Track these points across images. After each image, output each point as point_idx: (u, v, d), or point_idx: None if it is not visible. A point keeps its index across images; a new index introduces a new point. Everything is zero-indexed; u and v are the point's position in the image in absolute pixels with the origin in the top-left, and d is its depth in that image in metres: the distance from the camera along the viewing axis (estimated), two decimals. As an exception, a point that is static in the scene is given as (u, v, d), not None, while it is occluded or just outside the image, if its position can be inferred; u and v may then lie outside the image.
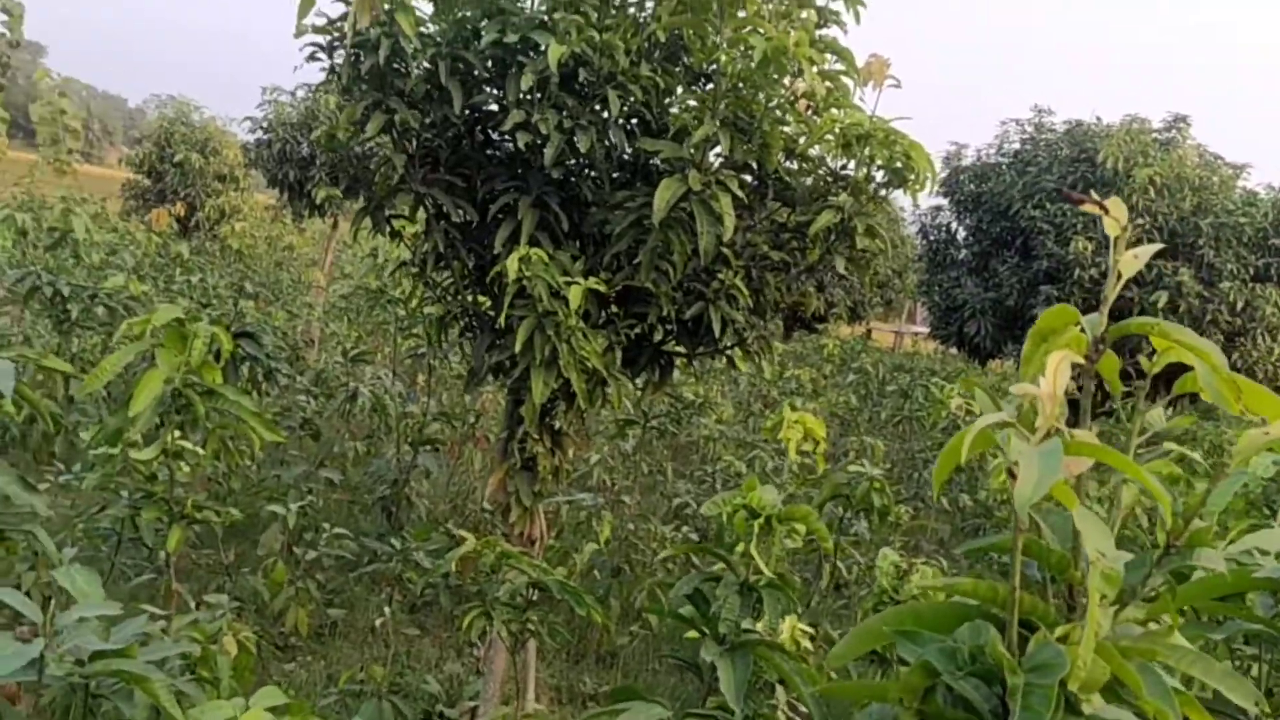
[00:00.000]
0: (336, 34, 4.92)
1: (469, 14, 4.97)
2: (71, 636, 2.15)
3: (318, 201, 16.78)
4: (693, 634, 2.98)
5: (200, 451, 4.41)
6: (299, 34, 4.94)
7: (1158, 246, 1.24)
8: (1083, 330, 1.17)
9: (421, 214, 5.40)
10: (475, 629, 4.45)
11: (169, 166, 23.95)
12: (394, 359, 9.95)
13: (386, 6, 4.53)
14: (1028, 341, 1.16)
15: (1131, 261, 1.13)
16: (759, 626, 2.76)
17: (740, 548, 2.99)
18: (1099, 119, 18.95)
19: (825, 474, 5.18)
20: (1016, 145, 19.50)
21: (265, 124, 17.12)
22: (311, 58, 5.18)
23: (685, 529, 8.00)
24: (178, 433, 3.96)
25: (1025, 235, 18.31)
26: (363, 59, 4.62)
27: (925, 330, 33.32)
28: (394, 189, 5.21)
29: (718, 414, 11.58)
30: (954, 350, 23.07)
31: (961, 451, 1.06)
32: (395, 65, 4.70)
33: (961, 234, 20.42)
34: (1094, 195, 1.16)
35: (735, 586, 2.76)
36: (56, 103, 25.97)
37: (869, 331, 36.28)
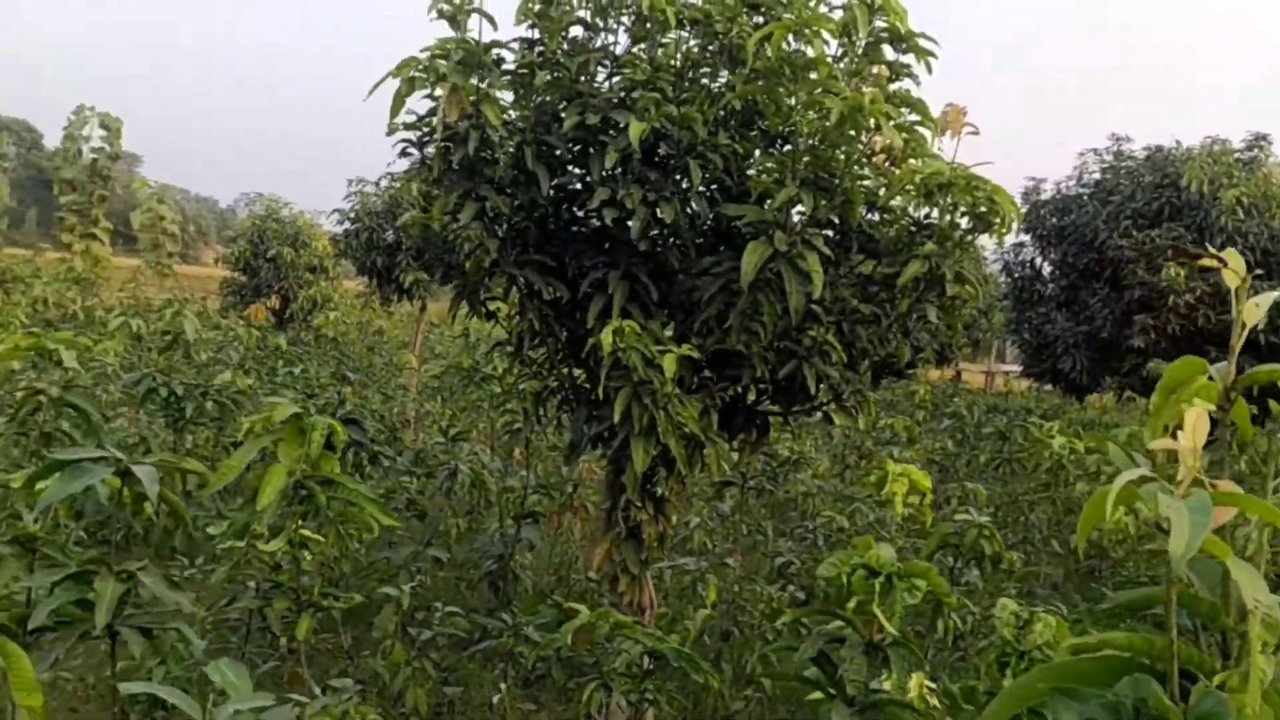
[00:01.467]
0: (426, 129, 5.15)
1: (548, 99, 5.17)
2: (225, 731, 2.25)
3: (405, 285, 17.34)
4: (815, 696, 2.97)
5: (320, 539, 4.56)
6: (391, 131, 5.18)
7: (1276, 295, 1.24)
8: (1210, 379, 1.18)
9: (514, 294, 5.57)
10: (595, 702, 4.48)
11: (263, 262, 24.93)
12: (491, 435, 10.12)
13: (473, 99, 4.73)
14: (1156, 394, 1.17)
15: (1254, 311, 1.15)
16: (886, 685, 2.75)
17: (851, 605, 2.98)
18: (1179, 143, 18.59)
19: (932, 524, 5.12)
20: (1097, 175, 19.20)
21: (352, 214, 17.76)
22: (403, 153, 5.42)
23: (791, 588, 7.92)
24: (300, 522, 4.11)
25: (1114, 265, 17.94)
26: (453, 151, 4.81)
27: (1016, 369, 32.62)
28: (487, 272, 5.38)
29: (813, 469, 11.49)
30: (1048, 387, 22.58)
31: (1106, 508, 1.08)
32: (483, 154, 4.88)
33: (1047, 269, 20.10)
34: (1208, 248, 1.19)
35: (860, 647, 2.75)
36: (155, 209, 27.40)
37: (958, 374, 35.71)
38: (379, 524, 4.14)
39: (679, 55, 5.24)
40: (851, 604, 2.82)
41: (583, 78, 5.13)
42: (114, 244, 31.38)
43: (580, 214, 5.38)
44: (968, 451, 14.29)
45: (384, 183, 17.99)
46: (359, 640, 7.54)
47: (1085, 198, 18.52)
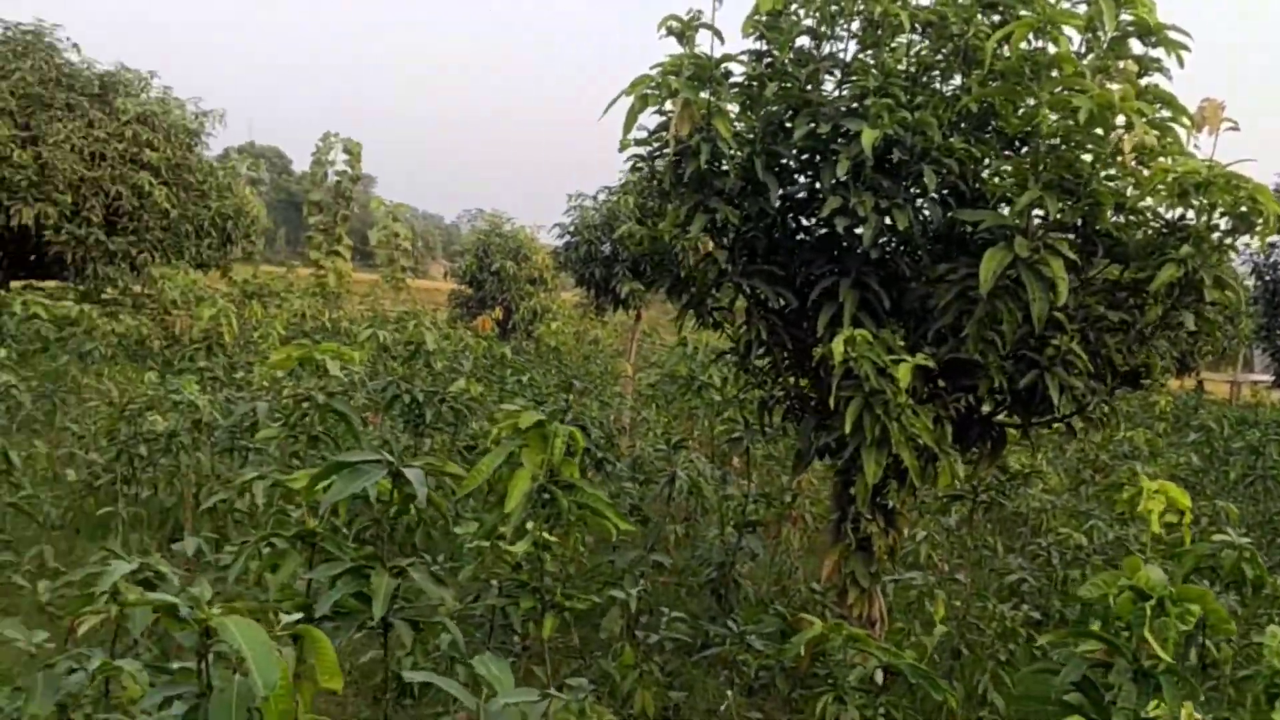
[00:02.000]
0: (656, 144, 5.27)
1: (775, 109, 5.18)
2: (498, 720, 2.37)
3: (622, 296, 17.75)
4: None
5: (556, 541, 4.74)
6: (623, 147, 5.33)
7: None
8: None
9: (741, 304, 5.61)
10: (830, 714, 4.44)
11: (487, 275, 26.16)
12: (710, 443, 10.19)
13: (704, 113, 4.80)
14: None
15: None
16: (1155, 714, 2.60)
17: (1098, 627, 2.83)
18: None
19: (1186, 545, 4.78)
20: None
21: (572, 228, 18.36)
22: (633, 168, 5.58)
23: (1025, 607, 7.58)
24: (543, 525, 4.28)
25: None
26: (684, 164, 4.91)
27: (1266, 378, 29.93)
28: (714, 282, 5.45)
29: (1045, 483, 10.95)
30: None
31: None
32: (713, 166, 4.95)
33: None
34: None
35: (1129, 673, 2.62)
36: (391, 226, 29.18)
37: (1200, 383, 33.17)
38: (615, 529, 4.26)
39: (909, 59, 5.15)
40: (1118, 625, 2.69)
41: (810, 86, 5.12)
42: (352, 260, 33.65)
43: (807, 222, 5.37)
44: (1216, 468, 13.26)
45: (601, 196, 18.54)
46: (585, 640, 7.77)
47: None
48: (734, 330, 5.73)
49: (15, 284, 18.10)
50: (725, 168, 4.96)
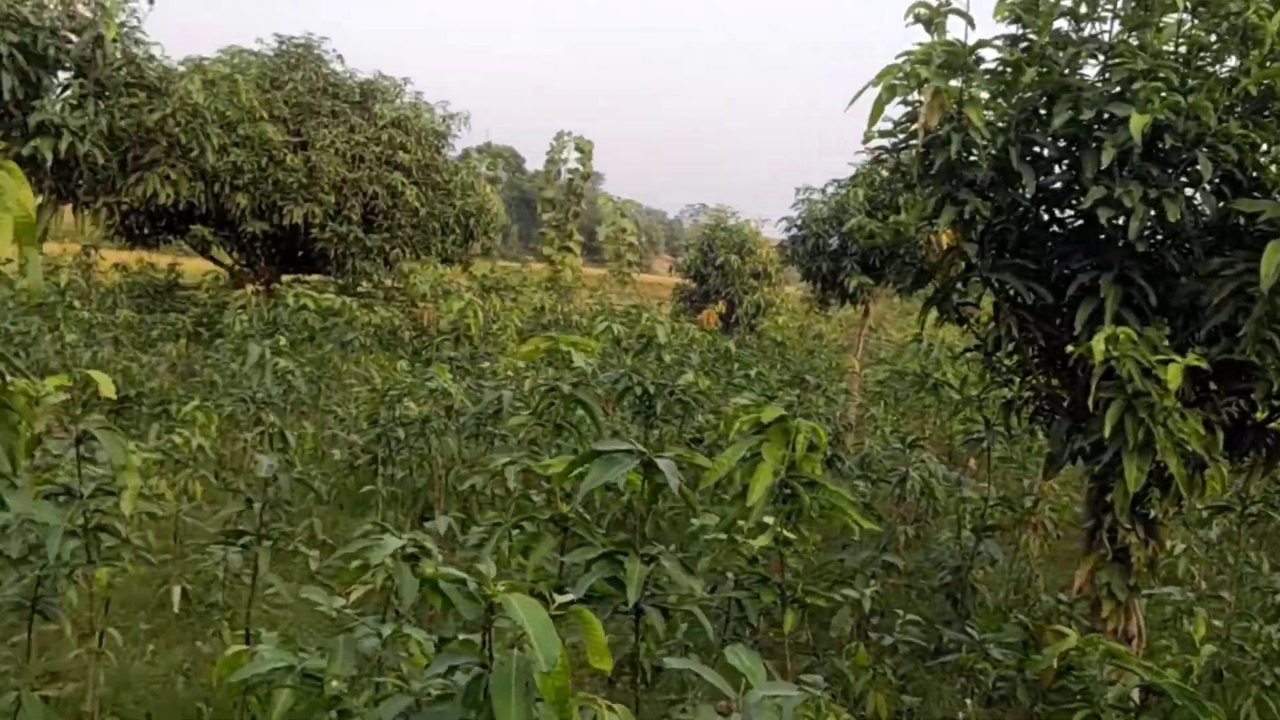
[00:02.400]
0: (902, 135, 5.16)
1: (1029, 96, 4.95)
2: (757, 713, 2.40)
3: (850, 290, 17.48)
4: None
5: (792, 537, 4.73)
6: (867, 139, 5.25)
7: None
8: None
9: (988, 299, 5.40)
10: (1081, 731, 4.22)
11: (711, 269, 26.37)
12: (943, 443, 9.87)
13: (955, 102, 4.66)
14: None
15: None
16: None
17: None
18: None
19: None
20: None
21: (799, 221, 18.23)
22: (876, 160, 5.48)
23: (1297, 630, 6.94)
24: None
25: None
26: (932, 155, 4.77)
27: None
28: (961, 276, 5.28)
29: (1323, 496, 9.94)
30: None
31: None
32: (963, 157, 4.79)
33: None
34: None
35: None
36: (619, 223, 29.85)
37: None
38: (858, 526, 4.21)
39: (1179, 40, 4.80)
40: None
41: (1069, 71, 4.86)
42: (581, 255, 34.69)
43: (1063, 214, 5.11)
44: None
45: (829, 189, 18.30)
46: (815, 638, 7.71)
47: None
48: (980, 327, 5.53)
49: (285, 277, 19.76)
50: (976, 158, 4.79)
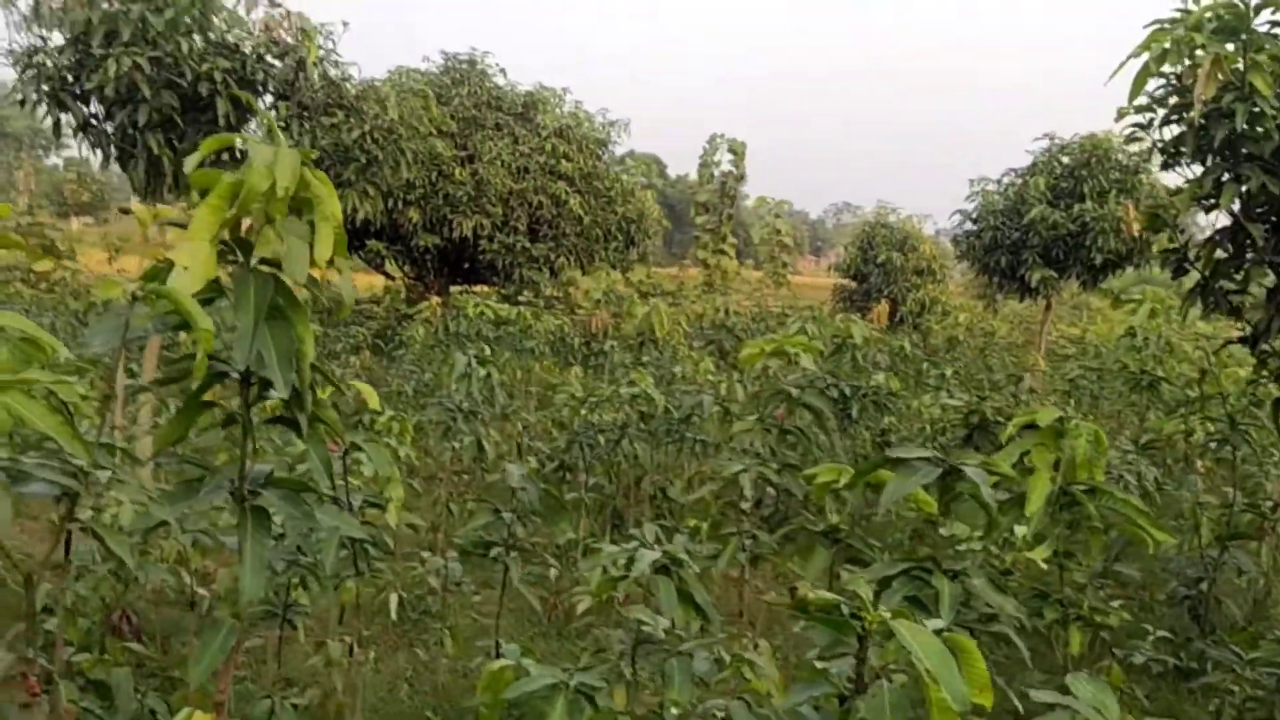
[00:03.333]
0: (1163, 110, 4.73)
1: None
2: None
3: (1032, 284, 16.68)
4: None
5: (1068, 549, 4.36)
6: (1120, 116, 4.84)
7: None
8: None
9: (1259, 288, 4.90)
10: None
11: (872, 267, 25.71)
12: (1180, 447, 9.18)
13: (1235, 68, 4.22)
14: None
15: None
16: None
17: None
18: None
19: None
20: None
21: (974, 215, 17.52)
22: (1130, 138, 5.05)
23: None
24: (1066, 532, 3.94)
25: None
26: (1211, 128, 4.34)
27: None
28: (1233, 261, 4.80)
29: None
30: None
31: None
32: (1248, 130, 4.34)
33: None
34: None
35: None
36: (773, 224, 29.50)
37: None
38: (1151, 539, 3.83)
39: None
40: None
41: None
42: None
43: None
44: None
45: (1004, 179, 17.52)
46: (1037, 657, 7.23)
47: None
48: (1255, 316, 5.03)
49: (454, 289, 20.19)
50: (1262, 130, 4.33)
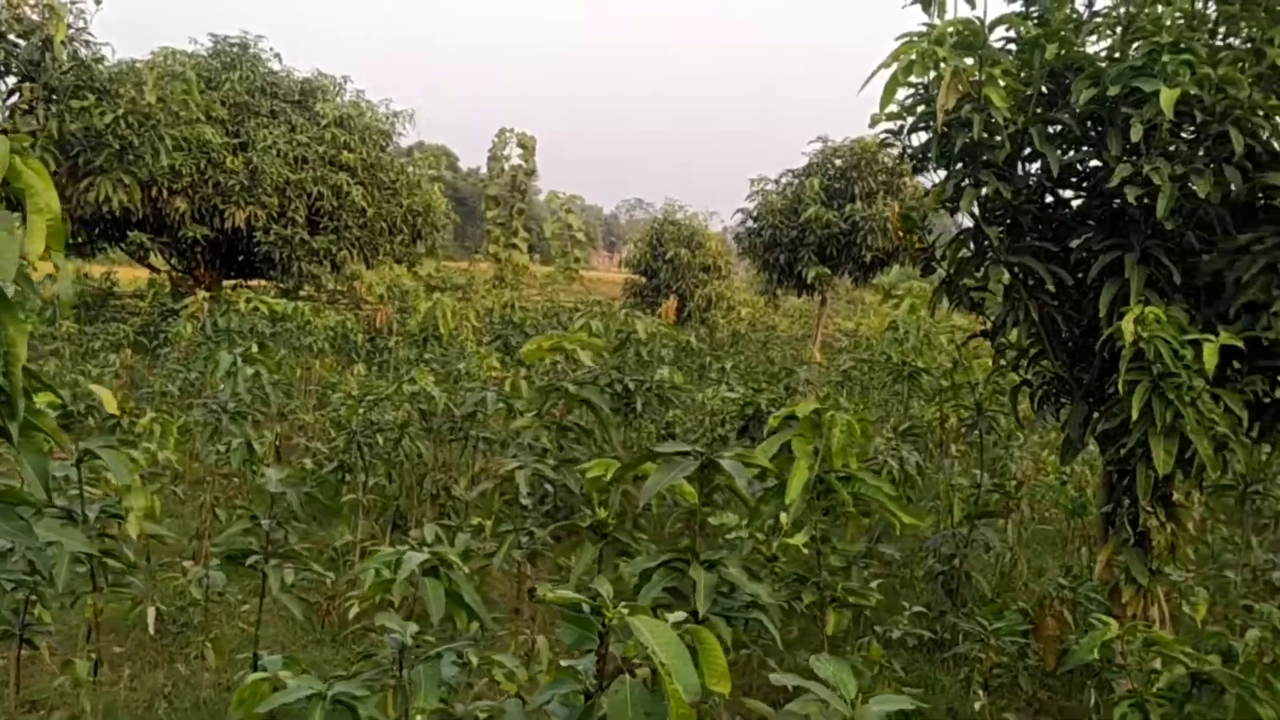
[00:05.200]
0: (909, 119, 5.01)
1: (1049, 73, 4.82)
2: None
3: (808, 280, 17.49)
4: None
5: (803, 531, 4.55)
6: (874, 124, 5.09)
7: None
8: None
9: (1001, 283, 5.28)
10: (1129, 722, 4.11)
11: (661, 263, 26.23)
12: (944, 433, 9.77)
13: (974, 80, 4.52)
14: None
15: None
16: None
17: None
18: None
19: None
20: None
21: (755, 213, 18.19)
22: (883, 144, 5.33)
23: (1297, 606, 6.96)
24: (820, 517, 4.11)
25: None
26: (953, 137, 4.63)
27: None
28: (971, 260, 5.15)
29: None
30: None
31: None
32: (985, 138, 4.66)
33: None
34: None
35: None
36: (565, 218, 29.60)
37: None
38: (899, 522, 4.06)
39: (1196, 12, 4.71)
40: None
41: (1086, 47, 4.76)
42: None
43: (1081, 194, 5.01)
44: None
45: (783, 180, 18.29)
46: (803, 634, 7.56)
47: None
48: (992, 311, 5.42)
49: (227, 283, 19.17)
50: (998, 139, 4.66)
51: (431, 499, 8.93)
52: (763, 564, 5.05)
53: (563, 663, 2.08)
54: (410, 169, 20.75)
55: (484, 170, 33.59)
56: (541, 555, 5.33)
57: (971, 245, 5.20)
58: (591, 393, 5.10)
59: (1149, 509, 5.01)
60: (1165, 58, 4.29)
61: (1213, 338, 4.30)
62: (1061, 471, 9.60)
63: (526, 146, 29.87)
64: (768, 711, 2.87)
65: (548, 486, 5.29)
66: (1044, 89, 4.83)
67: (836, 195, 16.97)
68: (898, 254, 17.62)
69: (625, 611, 1.89)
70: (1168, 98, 4.16)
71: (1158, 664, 4.42)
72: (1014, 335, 5.38)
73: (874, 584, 6.68)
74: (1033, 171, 4.97)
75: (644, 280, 27.36)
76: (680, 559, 3.08)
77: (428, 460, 8.76)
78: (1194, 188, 4.34)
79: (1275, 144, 4.44)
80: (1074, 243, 4.92)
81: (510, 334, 14.81)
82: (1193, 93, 4.25)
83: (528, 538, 4.90)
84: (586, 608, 1.95)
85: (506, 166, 29.98)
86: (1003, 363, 5.75)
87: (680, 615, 2.08)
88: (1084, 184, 4.90)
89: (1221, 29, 4.72)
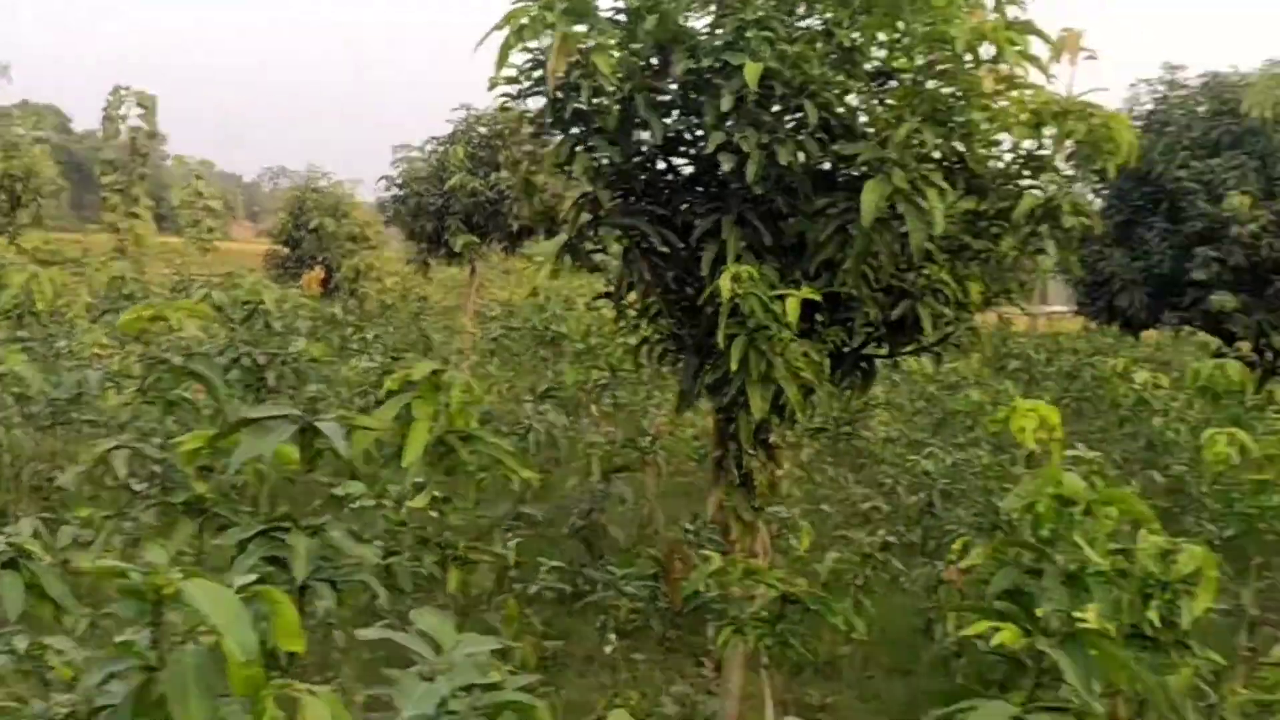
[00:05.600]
0: (528, 82, 5.09)
1: (651, 45, 5.07)
2: (460, 675, 2.26)
3: (457, 249, 17.37)
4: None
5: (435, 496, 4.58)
6: (492, 86, 5.13)
7: None
8: None
9: (617, 246, 5.52)
10: (732, 644, 4.50)
11: (304, 233, 25.07)
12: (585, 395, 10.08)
13: (581, 47, 4.66)
14: None
15: None
16: (1088, 616, 2.72)
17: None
18: (1235, 68, 18.17)
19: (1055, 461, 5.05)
20: (1150, 106, 18.84)
21: (399, 181, 17.78)
22: (503, 108, 5.39)
23: (881, 533, 7.91)
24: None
25: (1171, 197, 17.63)
26: (564, 102, 4.76)
27: (1062, 309, 32.12)
28: (591, 224, 5.35)
29: (885, 415, 11.42)
30: (1101, 325, 22.27)
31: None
32: (594, 104, 4.82)
33: (1098, 204, 19.74)
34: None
35: (1059, 577, 2.73)
36: (194, 185, 27.50)
37: (1000, 316, 35.22)
38: (518, 477, 4.15)
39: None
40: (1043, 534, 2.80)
41: (685, 20, 5.04)
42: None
43: (686, 160, 5.33)
44: (1034, 392, 14.17)
45: (429, 147, 18.01)
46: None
47: (1139, 130, 18.21)
48: (611, 273, 5.66)
49: None
50: (606, 105, 4.84)
51: (33, 491, 8.06)
52: (392, 531, 5.00)
53: (116, 638, 1.95)
54: (10, 130, 18.34)
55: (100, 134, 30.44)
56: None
57: (590, 209, 5.38)
58: (202, 364, 4.77)
59: (751, 452, 5.46)
60: (750, 34, 4.65)
61: (796, 293, 4.75)
62: (694, 424, 10.27)
63: (146, 107, 27.33)
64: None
65: (155, 468, 4.92)
66: (652, 60, 5.07)
67: (482, 164, 16.97)
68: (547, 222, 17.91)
69: (180, 577, 1.79)
70: (752, 71, 4.50)
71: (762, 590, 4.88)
72: (632, 295, 5.65)
73: (513, 543, 6.84)
74: (645, 139, 5.19)
75: (287, 251, 26.05)
76: (281, 527, 2.97)
77: (28, 449, 7.88)
78: (779, 156, 4.74)
79: (849, 118, 4.95)
80: (682, 207, 5.23)
81: (120, 309, 13.54)
82: (774, 67, 4.63)
83: (131, 523, 4.53)
84: (137, 576, 1.83)
85: (124, 128, 27.30)
86: (622, 324, 6.04)
87: (250, 577, 2.00)
88: (691, 152, 5.21)
89: (801, 8, 5.16)
